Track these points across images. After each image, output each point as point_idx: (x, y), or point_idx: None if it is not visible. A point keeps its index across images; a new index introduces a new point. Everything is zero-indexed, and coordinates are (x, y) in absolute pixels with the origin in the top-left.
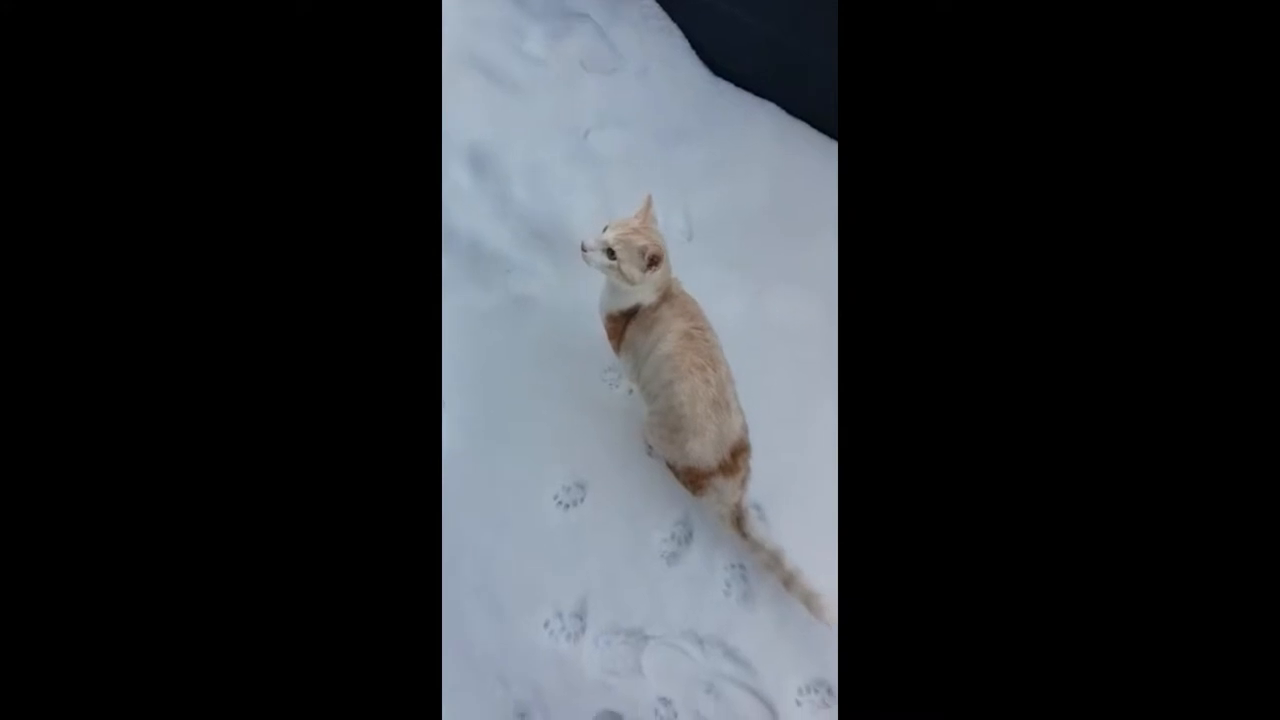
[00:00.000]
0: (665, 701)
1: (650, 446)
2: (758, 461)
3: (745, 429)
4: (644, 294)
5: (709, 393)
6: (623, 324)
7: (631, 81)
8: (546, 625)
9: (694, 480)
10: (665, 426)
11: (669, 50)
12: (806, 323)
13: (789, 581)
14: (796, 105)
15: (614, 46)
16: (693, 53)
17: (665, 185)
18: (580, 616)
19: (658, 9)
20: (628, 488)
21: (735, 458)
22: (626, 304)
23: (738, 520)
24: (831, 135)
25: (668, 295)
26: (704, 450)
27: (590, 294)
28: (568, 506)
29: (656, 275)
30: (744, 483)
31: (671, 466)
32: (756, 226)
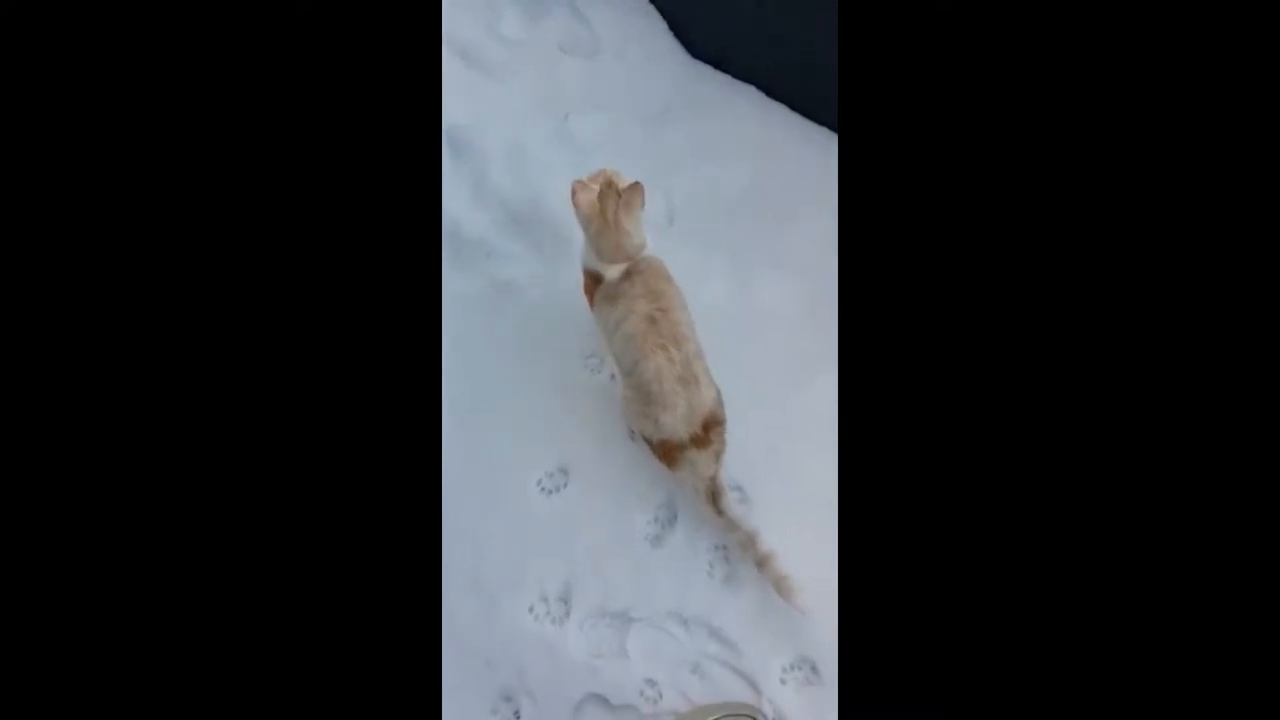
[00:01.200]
0: (651, 683)
1: (632, 431)
2: (741, 445)
3: (718, 403)
4: (599, 264)
5: (674, 370)
6: (594, 283)
7: (611, 64)
8: (532, 609)
9: (668, 453)
10: (638, 401)
11: (647, 32)
12: (789, 306)
13: (762, 563)
14: (776, 88)
15: (592, 28)
16: (671, 34)
17: (647, 168)
18: (565, 600)
19: None
20: (611, 472)
21: (707, 431)
22: (592, 266)
23: (713, 496)
24: (810, 117)
25: (632, 270)
26: (675, 424)
27: (570, 280)
28: (551, 492)
29: (597, 241)
30: (718, 456)
31: (648, 441)
32: (738, 210)
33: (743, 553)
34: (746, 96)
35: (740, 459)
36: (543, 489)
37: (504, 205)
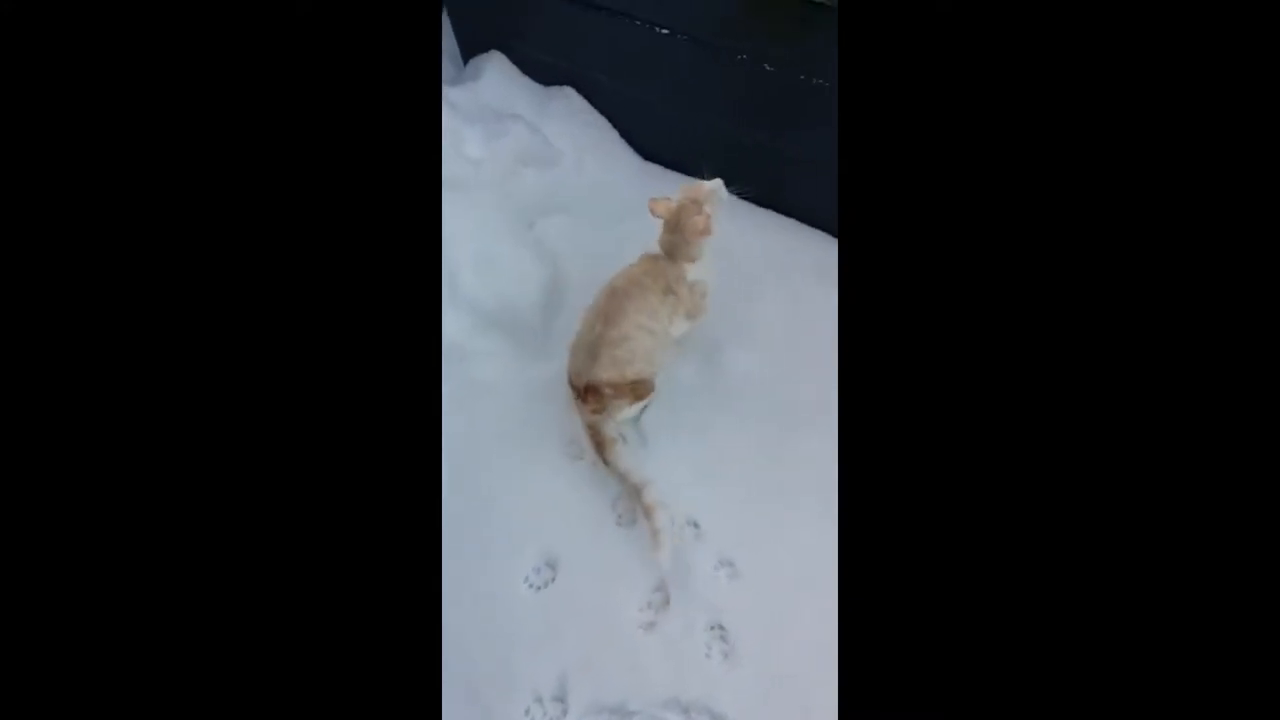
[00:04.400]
0: None
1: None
2: (724, 517)
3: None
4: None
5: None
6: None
7: (570, 172)
8: (528, 713)
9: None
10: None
11: (600, 140)
12: (758, 377)
13: (648, 513)
14: (728, 181)
15: (548, 141)
16: (623, 141)
17: (612, 265)
18: (561, 700)
19: (585, 103)
20: (599, 560)
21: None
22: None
23: (599, 445)
24: (765, 206)
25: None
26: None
27: (547, 372)
28: (539, 588)
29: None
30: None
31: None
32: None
33: (631, 501)
34: None
35: (727, 530)
36: (530, 585)
37: (476, 309)
